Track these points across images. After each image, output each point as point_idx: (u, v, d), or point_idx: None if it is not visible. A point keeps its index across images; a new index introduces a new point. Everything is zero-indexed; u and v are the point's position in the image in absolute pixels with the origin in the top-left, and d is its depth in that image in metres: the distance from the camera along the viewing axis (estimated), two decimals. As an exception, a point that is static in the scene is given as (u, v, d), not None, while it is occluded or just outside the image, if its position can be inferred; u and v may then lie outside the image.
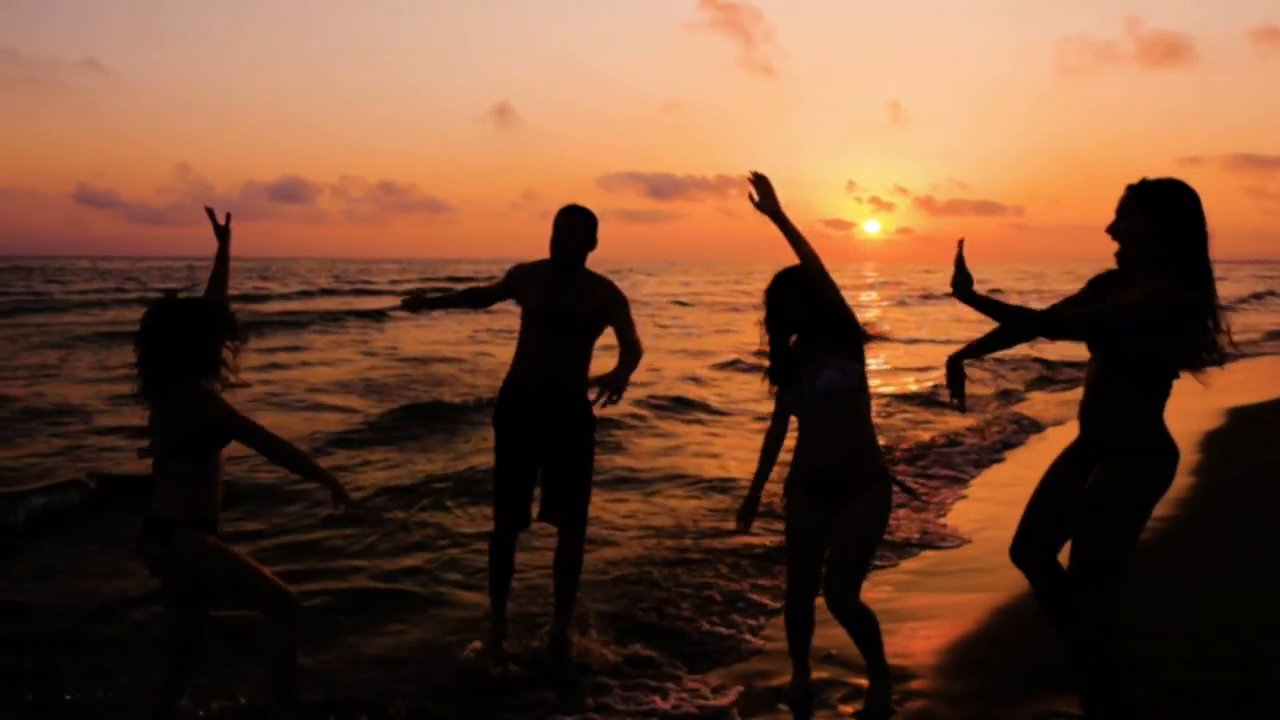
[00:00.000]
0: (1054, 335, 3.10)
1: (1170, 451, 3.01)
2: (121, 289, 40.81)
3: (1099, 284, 3.14)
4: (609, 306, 3.90)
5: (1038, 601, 3.29)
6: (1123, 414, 3.00)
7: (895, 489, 3.45)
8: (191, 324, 3.08)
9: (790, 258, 3.47)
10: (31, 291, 37.26)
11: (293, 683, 3.25)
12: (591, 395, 3.64)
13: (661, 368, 15.19)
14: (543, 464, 4.01)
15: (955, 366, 3.33)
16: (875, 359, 17.25)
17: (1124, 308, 2.91)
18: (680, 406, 11.55)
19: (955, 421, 9.96)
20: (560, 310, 3.86)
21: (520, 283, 4.01)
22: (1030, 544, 3.24)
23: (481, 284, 4.43)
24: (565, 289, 3.88)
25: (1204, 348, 2.96)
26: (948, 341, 19.91)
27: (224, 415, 3.04)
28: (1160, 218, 2.93)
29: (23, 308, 27.76)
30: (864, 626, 3.44)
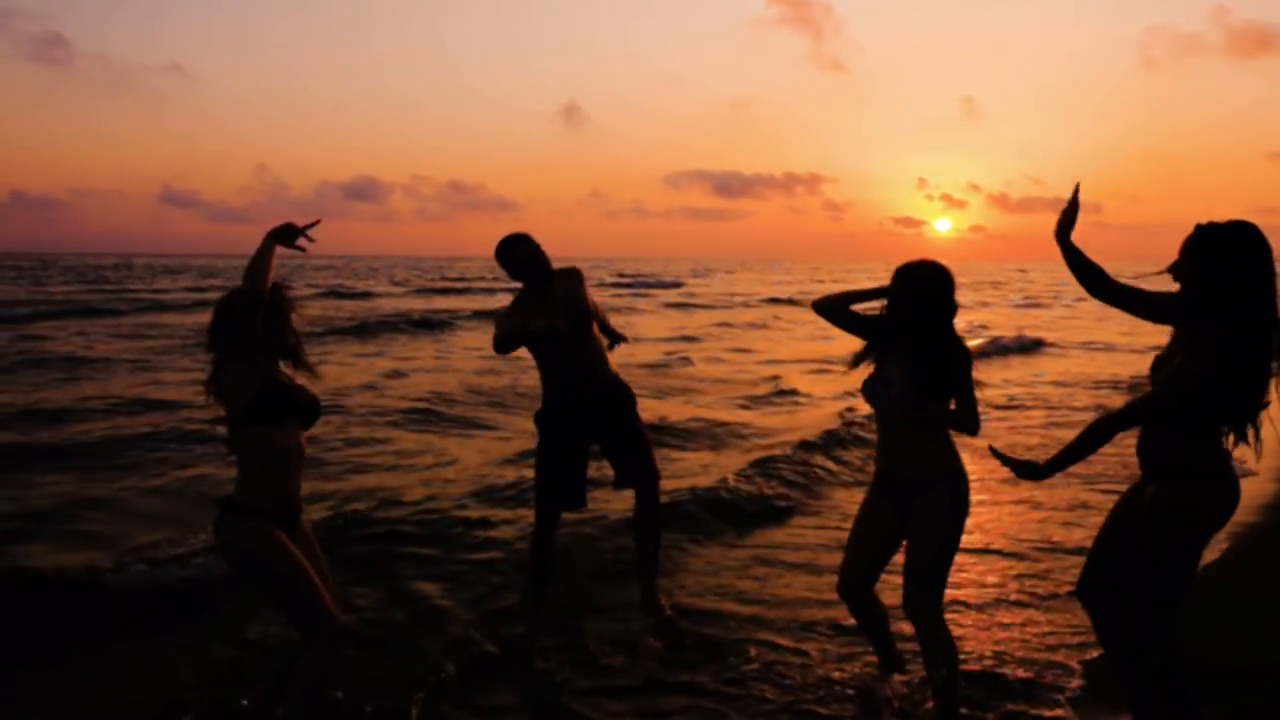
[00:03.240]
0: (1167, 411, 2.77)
1: (1219, 476, 2.74)
2: (228, 285, 39.93)
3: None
4: (586, 288, 4.30)
5: (1099, 642, 3.11)
6: (1167, 434, 2.78)
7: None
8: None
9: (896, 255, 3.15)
10: (126, 289, 37.31)
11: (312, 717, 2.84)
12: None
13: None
14: (600, 445, 4.33)
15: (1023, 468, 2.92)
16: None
17: (1184, 387, 2.69)
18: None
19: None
20: (567, 317, 4.08)
21: (522, 326, 4.04)
22: (1092, 581, 3.04)
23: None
24: (553, 299, 4.15)
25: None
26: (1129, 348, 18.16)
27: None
28: (1208, 271, 2.68)
29: (146, 306, 27.47)
30: (927, 640, 3.17)
